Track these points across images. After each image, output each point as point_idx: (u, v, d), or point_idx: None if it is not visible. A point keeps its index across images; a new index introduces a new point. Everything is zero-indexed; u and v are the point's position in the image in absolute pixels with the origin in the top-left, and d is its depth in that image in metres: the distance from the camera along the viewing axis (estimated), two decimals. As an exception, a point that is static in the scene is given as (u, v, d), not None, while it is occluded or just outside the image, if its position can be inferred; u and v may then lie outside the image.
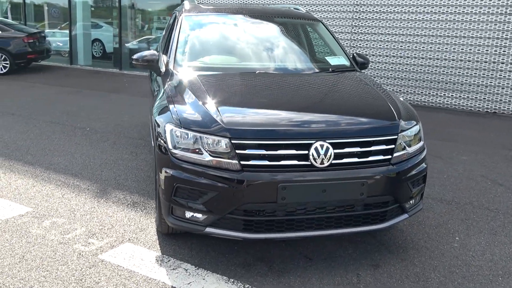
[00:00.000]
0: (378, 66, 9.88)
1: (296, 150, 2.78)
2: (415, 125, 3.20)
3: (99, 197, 4.18)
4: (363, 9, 9.81)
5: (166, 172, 2.91)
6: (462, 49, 8.98)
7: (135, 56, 4.03)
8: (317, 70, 4.01)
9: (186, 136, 2.86)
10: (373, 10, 9.70)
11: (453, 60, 9.11)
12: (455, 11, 8.87)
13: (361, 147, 2.88)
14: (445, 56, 9.17)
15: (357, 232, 3.05)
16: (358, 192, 2.83)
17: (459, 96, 9.18)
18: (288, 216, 2.83)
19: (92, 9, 15.45)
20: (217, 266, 3.08)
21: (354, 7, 9.89)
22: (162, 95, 3.44)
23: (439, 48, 9.19)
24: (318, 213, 2.86)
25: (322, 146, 2.78)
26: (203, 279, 2.92)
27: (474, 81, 9.00)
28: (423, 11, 9.19)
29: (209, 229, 2.87)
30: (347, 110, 3.22)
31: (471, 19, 8.79)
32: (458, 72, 9.11)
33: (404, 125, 3.07)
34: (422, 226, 3.80)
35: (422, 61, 9.43)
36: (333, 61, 4.14)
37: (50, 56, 14.03)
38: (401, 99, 3.60)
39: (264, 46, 4.18)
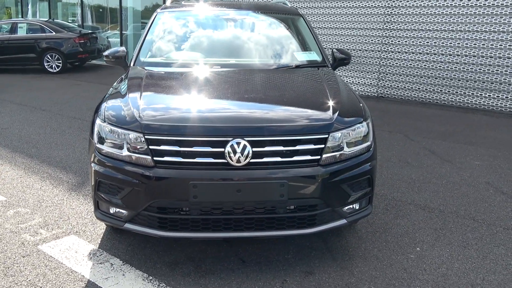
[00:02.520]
0: (411, 64, 9.35)
1: (212, 147, 2.68)
2: (359, 123, 2.96)
3: (73, 190, 4.31)
4: (396, 4, 9.32)
5: (92, 166, 2.93)
6: (501, 45, 8.25)
7: (106, 53, 4.10)
8: (278, 66, 3.84)
9: (110, 132, 2.86)
10: (406, 5, 9.19)
11: (491, 57, 8.39)
12: (485, 4, 8.16)
13: (284, 146, 2.72)
14: (482, 53, 8.48)
15: (282, 236, 2.87)
16: (277, 194, 2.67)
17: (498, 96, 8.45)
18: (204, 215, 2.73)
19: (141, 10, 16.04)
20: (144, 263, 3.05)
21: (387, 2, 9.43)
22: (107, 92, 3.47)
23: (475, 44, 8.51)
24: (236, 214, 2.74)
25: (238, 144, 2.66)
26: (123, 275, 2.90)
27: (515, 80, 8.25)
28: (458, 4, 8.56)
29: (128, 225, 2.85)
30: (278, 107, 3.05)
31: (507, 13, 8.06)
32: (497, 71, 8.39)
33: (340, 124, 2.85)
34: (386, 234, 3.52)
35: (457, 58, 8.79)
36: (302, 56, 3.96)
37: (102, 56, 14.74)
38: (356, 96, 3.35)
39: (233, 41, 4.08)
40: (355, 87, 10.24)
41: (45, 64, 13.07)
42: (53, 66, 13.10)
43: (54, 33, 13.13)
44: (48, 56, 13.04)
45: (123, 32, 15.74)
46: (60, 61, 13.06)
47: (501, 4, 8.10)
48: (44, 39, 13.05)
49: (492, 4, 8.20)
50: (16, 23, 13.53)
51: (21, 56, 13.09)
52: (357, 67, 10.08)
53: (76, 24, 17.16)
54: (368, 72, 9.98)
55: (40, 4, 20.22)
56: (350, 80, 10.29)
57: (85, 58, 13.72)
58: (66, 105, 8.46)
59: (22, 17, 20.04)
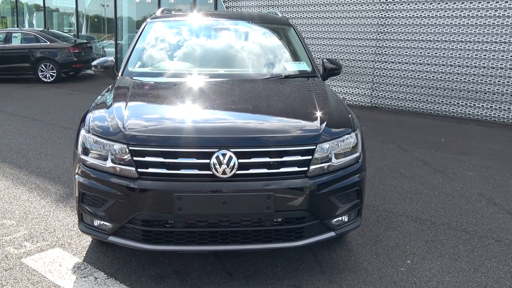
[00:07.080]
0: (404, 75, 9.36)
1: (197, 159, 2.64)
2: (348, 134, 2.93)
3: (60, 201, 4.24)
4: (389, 14, 9.35)
5: (76, 178, 2.87)
6: (493, 55, 8.26)
7: (95, 62, 4.06)
8: (268, 76, 3.81)
9: (94, 143, 2.81)
10: (399, 15, 9.23)
11: (484, 67, 8.41)
12: (478, 15, 8.20)
13: (270, 158, 2.68)
14: (475, 63, 8.49)
15: (269, 248, 2.81)
16: (264, 206, 2.62)
17: (491, 106, 8.45)
18: (189, 228, 2.68)
19: (136, 20, 16.06)
20: (129, 276, 2.98)
21: (380, 12, 9.46)
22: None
23: (468, 55, 8.53)
24: (222, 227, 2.69)
25: (224, 155, 2.61)
26: (106, 289, 2.84)
27: (507, 90, 8.25)
28: (451, 15, 8.59)
29: (112, 238, 2.79)
30: (265, 118, 3.01)
31: (499, 23, 8.08)
32: (490, 81, 8.40)
33: (328, 135, 2.81)
34: (376, 247, 3.47)
35: (450, 68, 8.81)
36: (292, 66, 3.93)
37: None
38: (345, 106, 3.32)
39: (222, 51, 4.06)
40: (348, 97, 10.24)
41: (39, 73, 13.03)
42: (47, 75, 13.06)
43: (48, 42, 13.11)
44: (43, 65, 13.00)
45: (118, 41, 15.74)
46: (55, 71, 13.01)
47: (493, 15, 8.13)
48: (39, 49, 13.02)
49: (484, 15, 8.23)
50: (10, 33, 13.50)
51: (15, 65, 13.04)
52: (351, 77, 10.09)
53: (72, 34, 17.15)
54: (361, 82, 9.99)
55: (36, 14, 20.21)
56: (343, 90, 10.29)
57: (79, 67, 13.68)
58: (58, 115, 8.41)
59: (18, 27, 20.03)
